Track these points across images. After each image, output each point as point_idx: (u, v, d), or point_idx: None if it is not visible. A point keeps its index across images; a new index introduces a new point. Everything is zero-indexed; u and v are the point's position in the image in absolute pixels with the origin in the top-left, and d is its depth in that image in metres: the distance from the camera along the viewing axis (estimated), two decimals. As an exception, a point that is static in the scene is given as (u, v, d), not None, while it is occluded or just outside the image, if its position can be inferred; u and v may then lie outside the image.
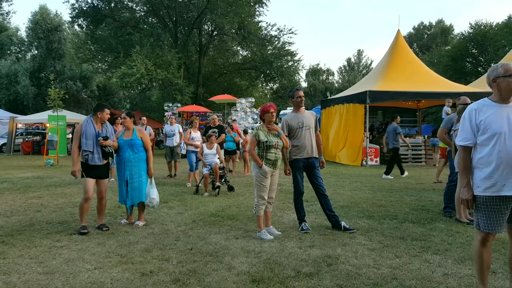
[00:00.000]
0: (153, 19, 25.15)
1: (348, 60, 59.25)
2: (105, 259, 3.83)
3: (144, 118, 10.36)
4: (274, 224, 4.99)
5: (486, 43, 29.16)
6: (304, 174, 5.00)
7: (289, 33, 24.94)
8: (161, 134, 21.72)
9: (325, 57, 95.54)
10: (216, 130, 9.25)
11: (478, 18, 56.88)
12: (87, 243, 4.37)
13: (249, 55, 26.73)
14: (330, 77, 57.46)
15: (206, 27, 25.89)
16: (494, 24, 30.81)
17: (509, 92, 2.74)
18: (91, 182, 4.90)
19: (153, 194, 5.15)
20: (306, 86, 52.13)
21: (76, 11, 23.48)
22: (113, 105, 35.79)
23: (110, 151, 4.99)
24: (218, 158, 8.04)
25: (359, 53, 59.12)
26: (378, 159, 13.30)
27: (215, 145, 8.05)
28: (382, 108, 18.11)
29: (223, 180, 7.91)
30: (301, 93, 4.99)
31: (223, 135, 9.56)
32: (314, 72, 55.61)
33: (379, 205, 6.38)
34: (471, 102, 3.99)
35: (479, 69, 29.69)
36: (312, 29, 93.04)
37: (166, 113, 19.78)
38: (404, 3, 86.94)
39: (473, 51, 30.67)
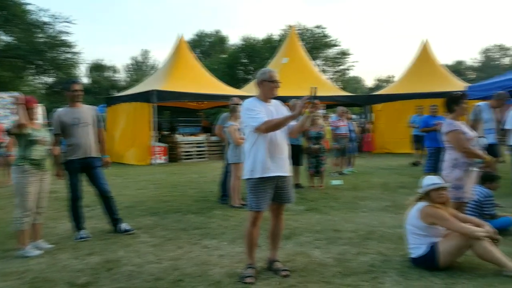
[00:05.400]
0: None
1: (135, 58, 58.15)
2: None
3: None
4: (45, 236, 4.33)
5: (254, 55, 34.19)
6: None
7: (66, 22, 22.33)
8: None
9: (110, 53, 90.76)
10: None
11: (248, 32, 66.16)
12: None
13: (13, 41, 22.42)
14: (116, 74, 54.81)
15: None
16: (260, 39, 36.54)
17: (270, 95, 3.29)
18: None
19: None
20: (90, 82, 48.02)
21: None
22: None
23: None
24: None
25: (146, 52, 58.84)
26: (166, 157, 13.58)
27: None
28: (169, 108, 18.60)
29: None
30: (78, 86, 4.55)
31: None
32: (98, 68, 51.76)
33: (164, 201, 6.51)
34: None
35: (249, 77, 34.54)
36: (95, 23, 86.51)
37: None
38: (186, 10, 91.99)
39: (244, 60, 35.43)
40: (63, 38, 22.25)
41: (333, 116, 10.53)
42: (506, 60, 58.52)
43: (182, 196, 6.94)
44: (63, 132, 4.45)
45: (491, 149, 5.98)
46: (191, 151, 14.24)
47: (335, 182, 8.05)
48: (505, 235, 4.04)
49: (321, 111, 12.43)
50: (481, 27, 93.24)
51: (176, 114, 18.88)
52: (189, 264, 3.59)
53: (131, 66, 57.53)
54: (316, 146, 7.51)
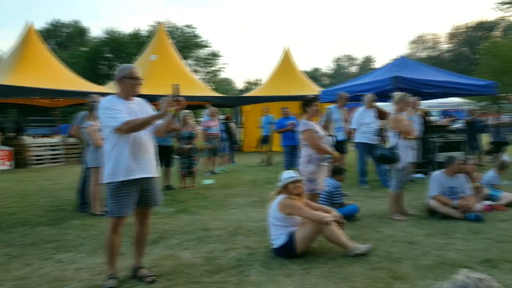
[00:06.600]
0: None
1: (-31, 46, 48.43)
2: None
3: None
4: None
5: (119, 49, 32.02)
6: None
7: None
8: None
9: None
10: None
11: (111, 25, 61.60)
12: None
13: None
14: None
15: None
16: (126, 33, 34.43)
17: (132, 92, 3.10)
18: None
19: None
20: None
21: None
22: None
23: None
24: None
25: (-15, 40, 49.62)
26: (11, 162, 11.66)
27: None
28: (16, 105, 16.04)
29: None
30: None
31: None
32: None
33: (8, 213, 5.58)
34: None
35: (114, 72, 32.27)
36: None
37: None
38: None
39: (108, 55, 32.89)
40: None
41: (204, 117, 10.61)
42: (353, 69, 68.69)
43: (31, 207, 6.05)
44: None
45: (339, 145, 6.85)
46: (43, 155, 12.54)
47: (207, 181, 8.12)
48: (352, 220, 4.69)
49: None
50: (334, 38, 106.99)
51: (25, 113, 16.46)
52: (38, 283, 3.14)
53: (-36, 55, 47.75)
54: (188, 146, 7.45)
